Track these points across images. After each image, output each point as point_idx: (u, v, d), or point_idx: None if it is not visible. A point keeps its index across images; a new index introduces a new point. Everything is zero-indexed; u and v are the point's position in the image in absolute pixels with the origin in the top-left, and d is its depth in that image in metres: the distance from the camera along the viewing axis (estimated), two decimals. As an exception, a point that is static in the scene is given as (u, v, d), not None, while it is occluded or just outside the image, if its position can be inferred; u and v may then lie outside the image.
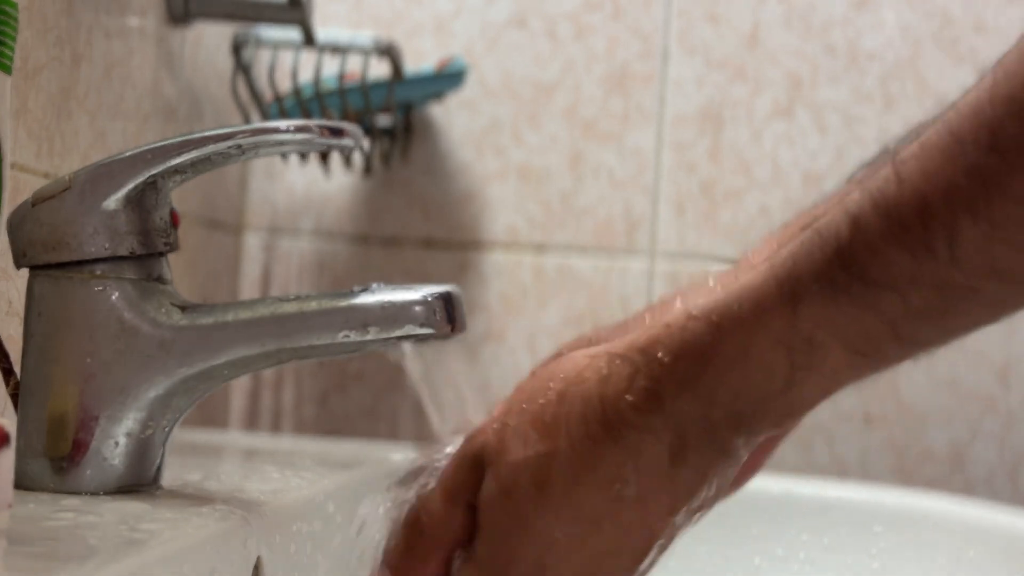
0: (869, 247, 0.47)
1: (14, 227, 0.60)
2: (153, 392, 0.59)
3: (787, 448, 1.30)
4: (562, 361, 0.56)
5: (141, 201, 0.60)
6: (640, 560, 0.54)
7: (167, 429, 0.60)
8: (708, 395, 0.52)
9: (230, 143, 0.59)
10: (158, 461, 0.61)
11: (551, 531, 0.53)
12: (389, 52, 1.10)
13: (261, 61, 1.14)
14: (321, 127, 0.59)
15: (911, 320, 0.48)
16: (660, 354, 0.52)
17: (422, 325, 0.57)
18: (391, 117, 1.18)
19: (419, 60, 1.21)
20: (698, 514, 0.55)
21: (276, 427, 1.25)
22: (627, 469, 0.53)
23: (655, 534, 0.54)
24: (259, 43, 1.10)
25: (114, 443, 0.59)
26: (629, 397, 0.53)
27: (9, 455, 0.51)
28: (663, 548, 0.54)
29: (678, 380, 0.52)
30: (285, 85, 1.16)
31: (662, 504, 0.53)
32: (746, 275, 0.51)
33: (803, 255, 0.49)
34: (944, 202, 0.45)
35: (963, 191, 0.45)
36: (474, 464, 0.55)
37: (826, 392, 0.51)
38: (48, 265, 0.59)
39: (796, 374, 0.50)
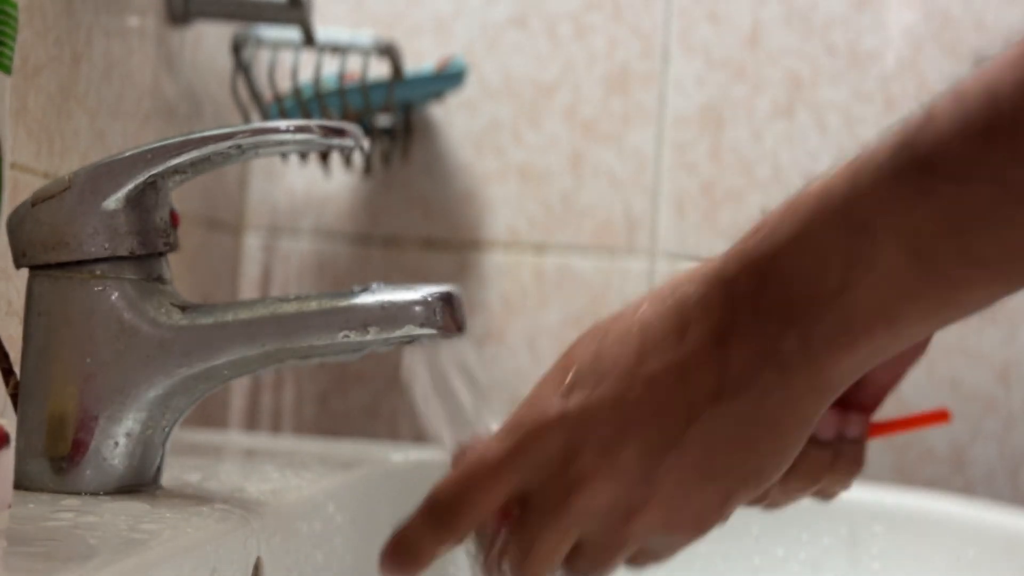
0: (936, 132, 0.46)
1: (14, 227, 0.60)
2: (153, 392, 0.59)
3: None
4: None
5: (141, 201, 0.60)
6: (670, 443, 0.51)
7: (167, 429, 0.60)
8: (760, 272, 0.50)
9: (230, 143, 0.59)
10: (158, 461, 0.61)
11: (592, 390, 0.52)
12: (389, 52, 1.10)
13: (261, 61, 1.14)
14: (321, 127, 0.59)
15: (970, 221, 0.46)
16: (736, 241, 0.52)
17: (422, 325, 0.57)
18: (391, 117, 1.18)
19: (419, 60, 1.21)
20: (747, 454, 0.51)
21: (276, 427, 1.25)
22: (670, 339, 0.51)
23: (693, 415, 0.51)
24: (259, 43, 1.10)
25: (114, 443, 0.59)
26: (693, 277, 0.52)
27: (9, 455, 0.51)
28: (700, 466, 0.51)
29: (736, 255, 0.51)
30: (285, 85, 1.16)
31: (703, 382, 0.50)
32: None
33: (875, 142, 0.49)
34: (1012, 91, 0.44)
35: None
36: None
37: (884, 305, 0.48)
38: (48, 265, 0.59)
39: (851, 272, 0.48)
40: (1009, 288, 0.47)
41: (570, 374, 0.53)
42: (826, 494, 0.62)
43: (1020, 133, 0.44)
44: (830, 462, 0.59)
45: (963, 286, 0.47)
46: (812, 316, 0.49)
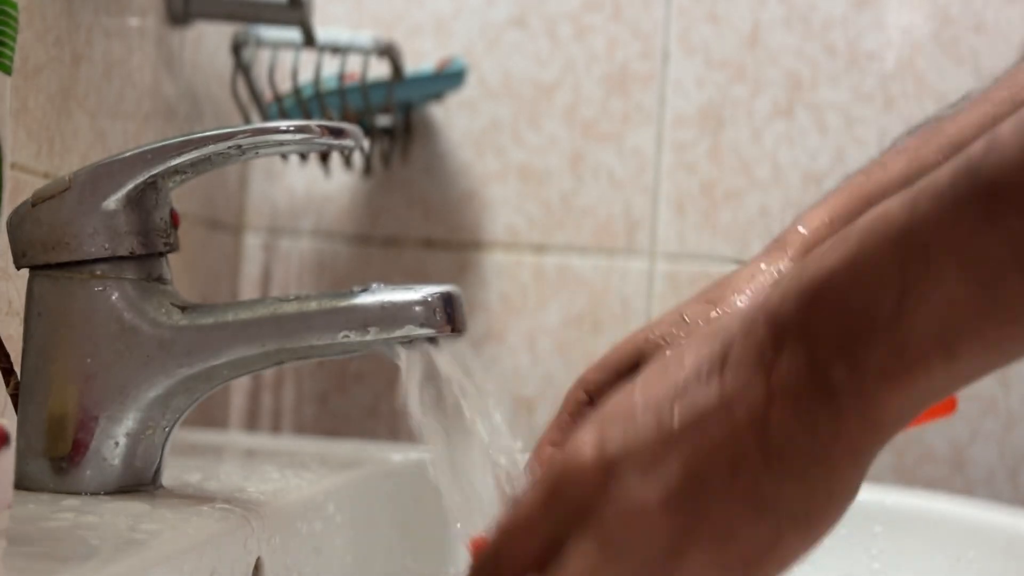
0: (1001, 159, 0.44)
1: (14, 227, 0.60)
2: (153, 392, 0.59)
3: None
4: None
5: (141, 201, 0.60)
6: (714, 471, 0.48)
7: (167, 429, 0.60)
8: (808, 297, 0.47)
9: (230, 143, 0.59)
10: (158, 461, 0.61)
11: (626, 425, 0.50)
12: (389, 52, 1.10)
13: (261, 61, 1.13)
14: (321, 127, 0.59)
15: None
16: (783, 264, 0.52)
17: (422, 325, 0.57)
18: (391, 117, 1.18)
19: (419, 60, 1.21)
20: (797, 485, 0.48)
21: (276, 427, 1.25)
22: (712, 365, 0.49)
23: (738, 443, 0.48)
24: (259, 43, 1.10)
25: (114, 443, 0.59)
26: (735, 313, 0.51)
27: (9, 455, 0.51)
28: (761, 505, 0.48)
29: (781, 285, 0.48)
30: (285, 85, 1.16)
31: (747, 408, 0.48)
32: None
33: (933, 171, 0.46)
34: None
35: None
36: None
37: (942, 335, 0.45)
38: (48, 265, 0.59)
39: (907, 299, 0.45)
40: None
41: (603, 418, 0.51)
42: None
43: None
44: None
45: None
46: (863, 344, 0.47)
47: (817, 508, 0.49)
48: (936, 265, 0.45)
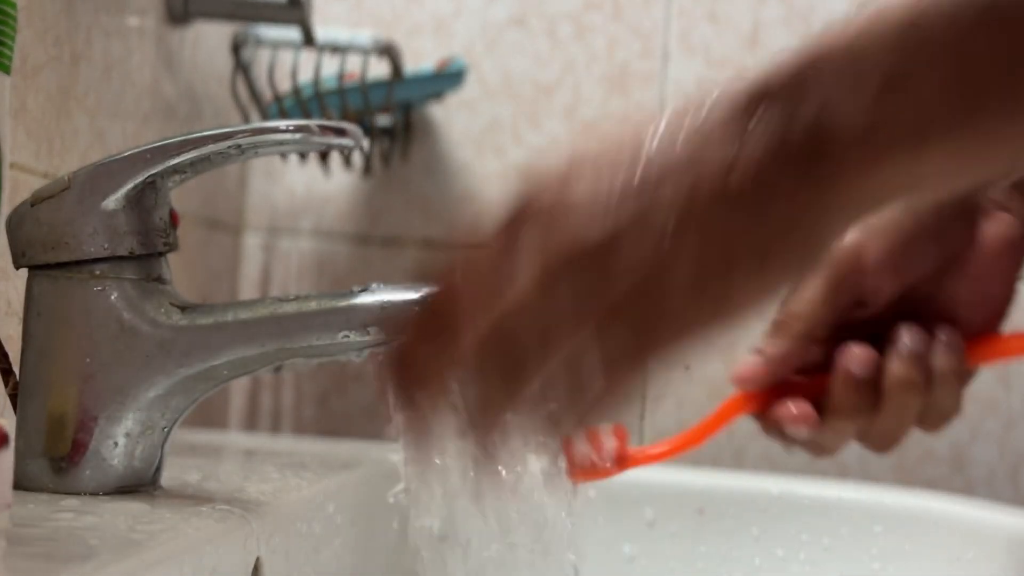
0: None
1: (13, 227, 0.60)
2: (153, 392, 0.59)
3: (787, 448, 1.28)
4: None
5: (140, 201, 0.60)
6: (682, 212, 0.48)
7: (167, 429, 0.60)
8: (804, 62, 0.48)
9: (229, 143, 0.59)
10: (157, 461, 0.61)
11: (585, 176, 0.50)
12: (389, 52, 1.10)
13: (261, 61, 1.13)
14: (321, 127, 0.59)
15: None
16: None
17: (422, 325, 0.57)
18: (391, 117, 1.18)
19: (419, 60, 1.21)
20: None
21: (276, 427, 1.25)
22: (690, 114, 0.51)
23: (705, 183, 0.48)
24: (259, 43, 1.10)
25: (113, 443, 0.59)
26: None
27: (8, 455, 0.51)
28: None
29: (784, 54, 0.50)
30: (285, 85, 1.16)
31: (718, 150, 0.49)
32: None
33: None
34: None
35: None
36: None
37: (918, 124, 0.46)
38: (47, 265, 0.59)
39: (894, 82, 0.46)
40: None
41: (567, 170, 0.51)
42: (927, 424, 0.63)
43: None
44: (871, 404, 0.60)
45: (998, 134, 0.46)
46: (841, 115, 0.47)
47: (774, 246, 0.48)
48: (928, 57, 0.46)
